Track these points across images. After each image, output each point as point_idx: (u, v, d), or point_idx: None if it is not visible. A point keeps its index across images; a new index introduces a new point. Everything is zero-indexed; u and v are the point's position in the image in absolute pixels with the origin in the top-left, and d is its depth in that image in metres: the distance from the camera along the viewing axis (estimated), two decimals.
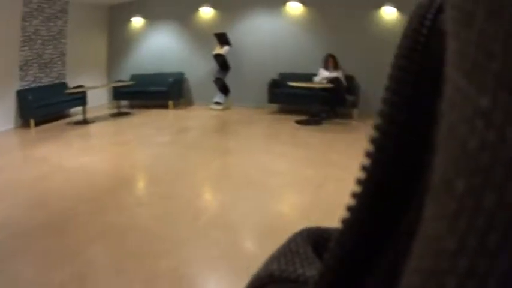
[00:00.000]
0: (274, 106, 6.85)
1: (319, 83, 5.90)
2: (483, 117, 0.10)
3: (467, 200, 0.09)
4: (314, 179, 3.44)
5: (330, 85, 5.70)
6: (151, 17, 7.94)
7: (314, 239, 0.25)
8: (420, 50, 0.15)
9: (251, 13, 7.16)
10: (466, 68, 0.10)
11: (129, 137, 5.47)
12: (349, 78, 6.14)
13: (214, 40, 7.04)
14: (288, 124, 5.77)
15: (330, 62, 6.11)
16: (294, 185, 3.43)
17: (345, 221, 0.15)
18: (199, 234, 2.51)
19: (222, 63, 7.05)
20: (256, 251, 2.27)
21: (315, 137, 5.06)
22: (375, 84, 5.83)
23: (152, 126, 5.94)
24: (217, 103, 7.19)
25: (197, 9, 7.53)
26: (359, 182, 0.14)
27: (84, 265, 2.18)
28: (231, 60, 7.05)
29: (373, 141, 0.14)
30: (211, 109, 7.16)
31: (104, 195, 3.20)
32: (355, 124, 5.81)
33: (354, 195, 0.14)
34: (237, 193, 3.21)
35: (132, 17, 8.06)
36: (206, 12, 7.52)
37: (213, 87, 7.24)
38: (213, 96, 7.27)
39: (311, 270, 0.22)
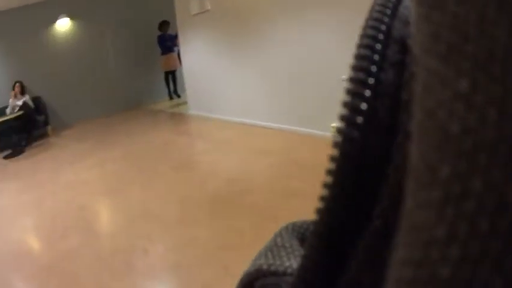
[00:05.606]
0: None
1: (12, 113, 5.71)
2: (463, 100, 0.09)
3: (454, 186, 0.09)
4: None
5: (20, 112, 5.63)
6: None
7: (300, 232, 0.25)
8: (383, 35, 0.15)
9: None
10: (441, 51, 0.10)
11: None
12: (36, 99, 6.10)
13: None
14: None
15: (17, 88, 5.88)
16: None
17: (319, 211, 0.15)
18: None
19: None
20: None
21: (23, 165, 4.77)
22: (61, 99, 6.35)
23: None
24: None
25: None
26: (329, 172, 0.14)
27: None
28: None
29: (342, 117, 0.14)
30: None
31: None
32: (53, 140, 5.91)
33: (325, 185, 0.15)
34: None
35: None
36: None
37: None
38: None
39: (298, 262, 0.21)
